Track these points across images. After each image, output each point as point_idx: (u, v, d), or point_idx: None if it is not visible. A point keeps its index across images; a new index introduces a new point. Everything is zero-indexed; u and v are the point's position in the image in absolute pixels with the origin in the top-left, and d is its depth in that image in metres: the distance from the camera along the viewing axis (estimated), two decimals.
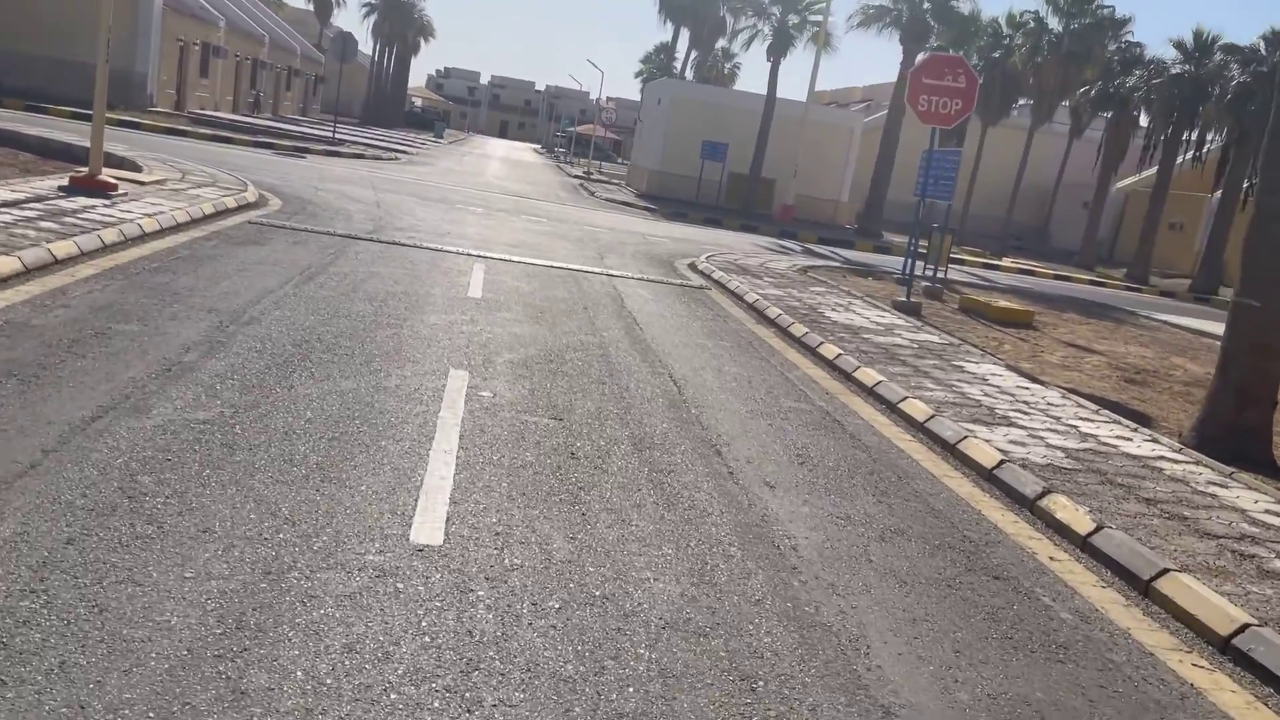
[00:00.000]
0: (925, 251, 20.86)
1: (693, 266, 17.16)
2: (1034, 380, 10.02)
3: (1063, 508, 5.88)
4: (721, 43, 58.42)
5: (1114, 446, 7.59)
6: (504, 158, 58.68)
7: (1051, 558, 5.39)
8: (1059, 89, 38.90)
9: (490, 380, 7.31)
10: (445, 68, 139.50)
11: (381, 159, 33.40)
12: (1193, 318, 22.88)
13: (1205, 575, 5.07)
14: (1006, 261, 33.19)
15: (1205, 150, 37.29)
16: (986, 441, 7.14)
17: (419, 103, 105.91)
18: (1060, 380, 10.62)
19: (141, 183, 14.12)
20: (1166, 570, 4.96)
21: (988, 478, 6.64)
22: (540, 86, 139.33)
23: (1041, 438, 7.54)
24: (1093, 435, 7.86)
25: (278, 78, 57.44)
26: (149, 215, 11.44)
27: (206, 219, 12.75)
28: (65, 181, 12.44)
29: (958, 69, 14.61)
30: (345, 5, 77.51)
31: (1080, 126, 41.36)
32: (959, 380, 9.45)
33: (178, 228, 11.69)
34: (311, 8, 76.36)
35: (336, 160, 29.48)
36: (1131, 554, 5.19)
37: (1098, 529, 5.50)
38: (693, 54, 57.27)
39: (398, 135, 56.03)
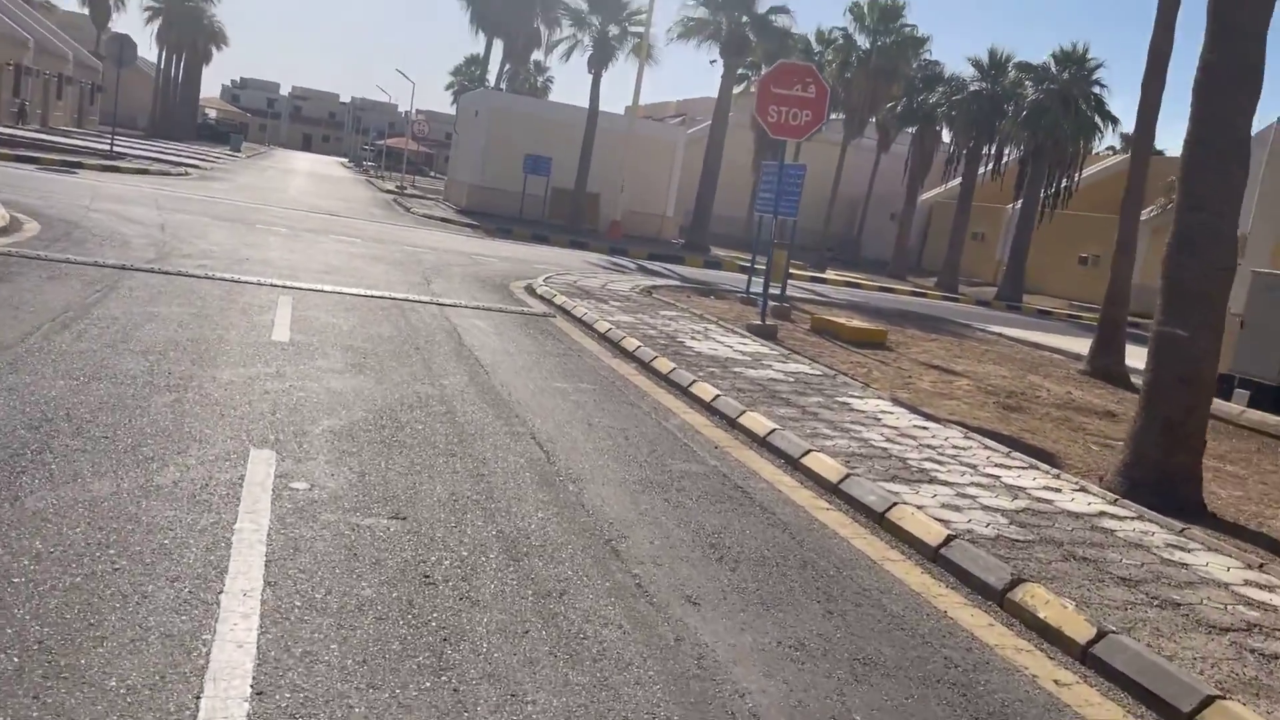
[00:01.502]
0: (762, 268, 20.19)
1: (530, 290, 15.67)
2: (927, 417, 9.12)
3: (1044, 603, 4.78)
4: (537, 55, 57.20)
5: (1049, 502, 6.66)
6: (309, 172, 55.16)
7: (1057, 681, 4.25)
8: (868, 104, 39.76)
9: (305, 462, 5.62)
10: (241, 78, 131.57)
11: (170, 174, 30.14)
12: (1017, 328, 23.24)
13: (1248, 697, 4.06)
14: (830, 274, 33.35)
15: (1004, 163, 38.97)
16: (918, 508, 6.03)
17: (213, 114, 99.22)
18: (944, 411, 9.80)
19: None
20: (1211, 699, 3.90)
21: (934, 558, 5.51)
22: (345, 98, 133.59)
23: (971, 496, 6.51)
24: (1020, 489, 6.91)
25: (46, 85, 51.88)
26: None
27: None
28: None
29: (807, 78, 13.79)
30: (125, 8, 71.31)
31: (887, 141, 42.46)
32: (852, 422, 8.40)
33: None
34: (87, 11, 69.91)
35: (115, 176, 26.21)
36: (1158, 675, 4.12)
37: (1100, 636, 4.42)
38: (506, 66, 55.68)
39: (189, 149, 51.67)
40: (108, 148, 32.60)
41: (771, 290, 20.47)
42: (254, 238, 17.03)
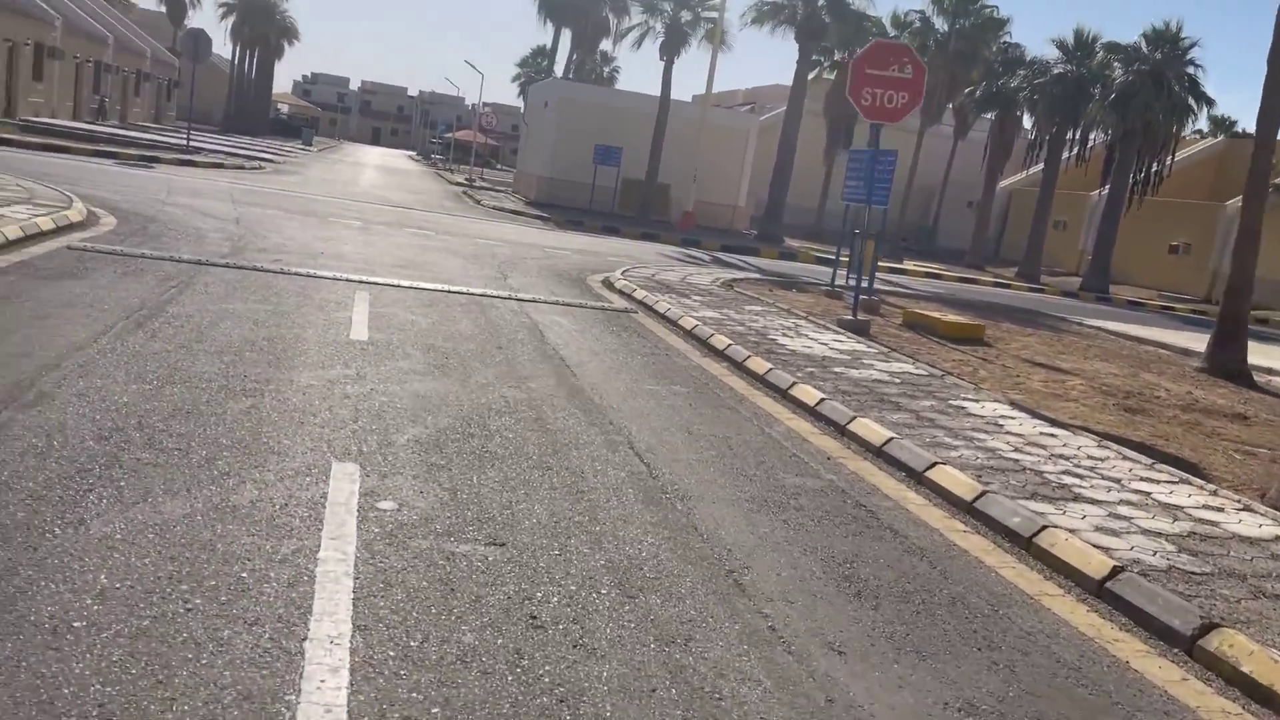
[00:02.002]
0: (847, 260, 19.42)
1: (608, 284, 15.14)
2: (1052, 423, 8.36)
3: (1248, 655, 4.09)
4: (605, 44, 56.71)
5: (1214, 524, 5.91)
6: (379, 165, 55.46)
7: None
8: (946, 89, 38.46)
9: (391, 478, 5.13)
10: (312, 73, 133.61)
11: (244, 168, 30.28)
12: (1113, 321, 22.07)
13: None
14: (909, 265, 32.31)
15: (1089, 148, 37.40)
16: (1071, 532, 5.33)
17: (285, 109, 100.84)
18: (1064, 415, 9.01)
19: None
20: None
21: (1098, 592, 4.82)
22: (413, 92, 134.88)
23: (1126, 517, 5.79)
24: (1177, 508, 6.16)
25: (125, 82, 52.88)
26: None
27: (7, 246, 10.07)
28: None
29: (904, 58, 13.01)
30: (200, 6, 72.60)
31: (965, 127, 41.09)
32: (972, 429, 7.69)
33: None
34: (164, 8, 71.26)
35: (191, 171, 26.34)
36: None
37: None
38: (573, 56, 55.31)
39: (262, 143, 52.26)
40: (184, 142, 32.90)
41: (851, 281, 19.70)
42: (328, 231, 16.78)
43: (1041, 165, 37.94)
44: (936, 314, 15.05)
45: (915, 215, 45.74)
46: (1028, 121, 40.08)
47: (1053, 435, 7.82)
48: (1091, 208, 41.88)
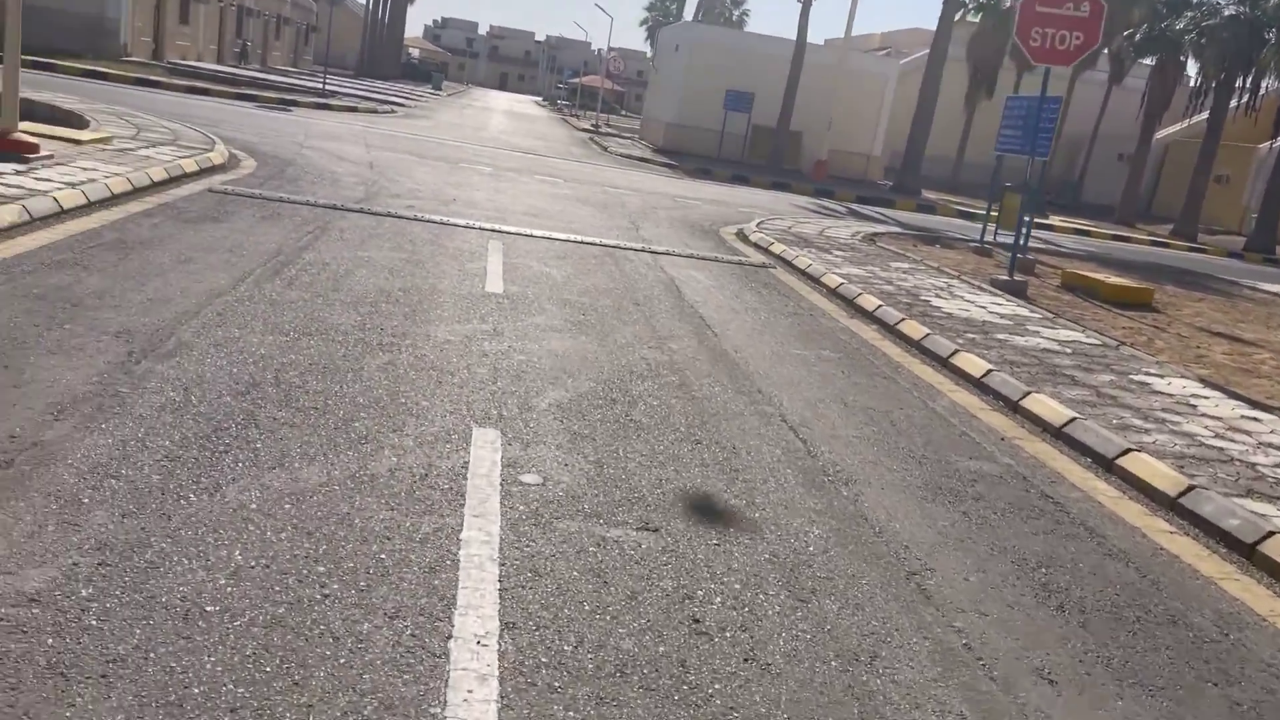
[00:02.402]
0: (996, 215, 18.31)
1: (743, 236, 14.54)
2: (1253, 404, 7.48)
3: None
4: None
5: None
6: (507, 110, 55.60)
7: None
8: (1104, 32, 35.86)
9: (534, 447, 4.77)
10: (442, 18, 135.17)
11: (377, 112, 30.56)
12: None
13: None
14: (1056, 221, 30.51)
15: (1261, 97, 34.45)
16: None
17: (416, 54, 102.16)
18: (1260, 393, 8.08)
19: (78, 141, 11.46)
20: None
21: None
22: (540, 37, 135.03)
23: None
24: None
25: (266, 26, 54.19)
26: (73, 185, 8.83)
27: (153, 187, 10.13)
28: None
29: None
30: None
31: (1121, 73, 38.35)
32: (1162, 409, 6.91)
33: (110, 200, 9.09)
34: None
35: (327, 114, 26.67)
36: None
37: None
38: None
39: (394, 87, 52.91)
40: (320, 86, 33.42)
41: (998, 238, 18.60)
42: (458, 176, 16.62)
43: (1205, 115, 35.17)
44: (1099, 275, 13.95)
45: (1060, 168, 43.25)
46: (1192, 67, 37.16)
47: (1256, 419, 6.97)
48: (1260, 161, 38.73)
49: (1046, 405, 6.60)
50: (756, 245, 13.72)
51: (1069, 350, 8.61)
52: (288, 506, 3.76)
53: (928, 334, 8.45)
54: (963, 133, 39.32)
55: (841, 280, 10.73)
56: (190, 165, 11.62)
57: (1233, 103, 33.68)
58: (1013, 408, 6.80)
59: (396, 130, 25.03)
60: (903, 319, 8.99)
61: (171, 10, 37.35)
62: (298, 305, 6.64)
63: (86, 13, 30.99)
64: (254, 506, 3.72)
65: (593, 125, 47.04)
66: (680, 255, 11.82)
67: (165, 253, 7.51)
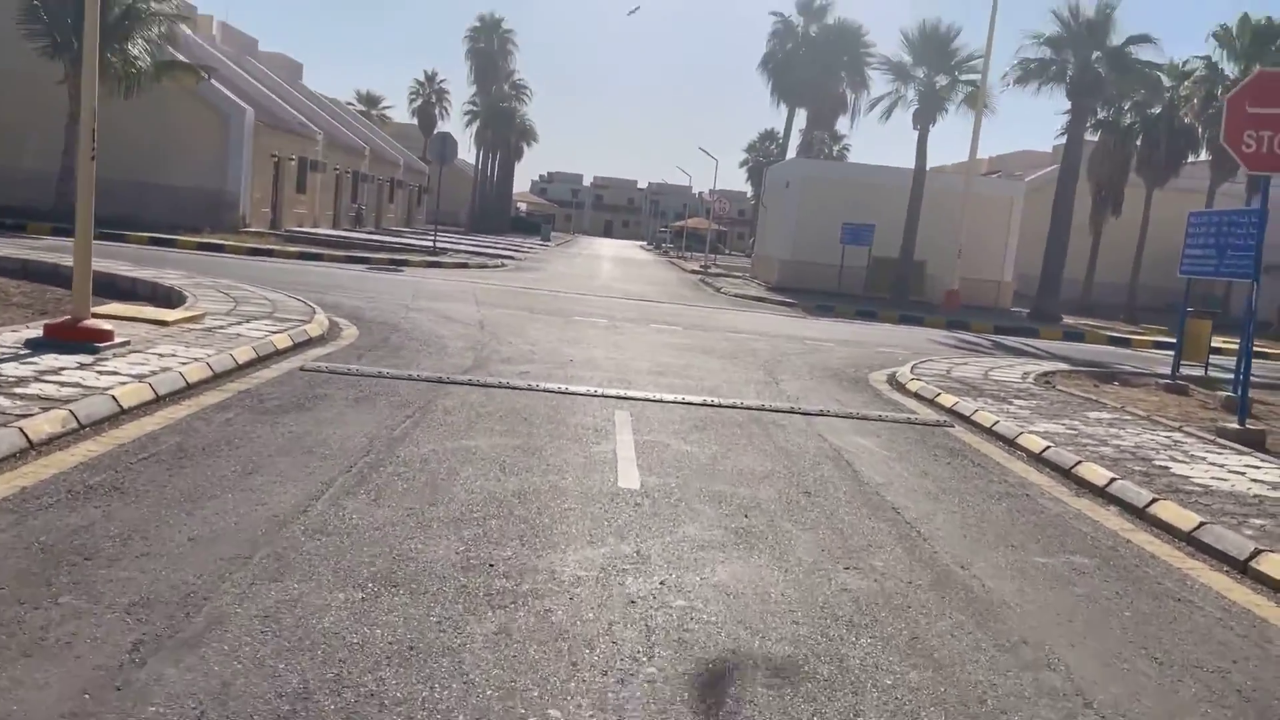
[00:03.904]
0: (1177, 343, 16.09)
1: (896, 384, 12.69)
2: None
3: None
4: (843, 120, 54.90)
5: None
6: (614, 256, 55.57)
7: None
8: None
9: None
10: (548, 173, 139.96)
11: (487, 266, 30.18)
12: None
13: None
14: (1218, 341, 27.58)
15: None
16: None
17: (524, 208, 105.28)
18: None
19: (164, 323, 10.48)
20: None
21: None
22: (642, 184, 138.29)
23: None
24: None
25: (380, 190, 55.95)
26: (140, 378, 7.63)
27: (237, 370, 8.96)
28: (39, 331, 8.81)
29: None
30: (449, 116, 77.05)
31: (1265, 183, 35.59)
32: None
33: (185, 391, 7.87)
34: (415, 120, 76.12)
35: (436, 271, 26.23)
36: None
37: None
38: (808, 135, 53.68)
39: (504, 241, 53.62)
40: (430, 244, 33.41)
41: (1192, 370, 16.31)
42: (573, 332, 15.33)
43: None
44: None
45: (1198, 283, 40.13)
46: None
47: None
48: None
49: None
50: (918, 396, 11.82)
51: None
52: None
53: (1201, 523, 6.37)
54: (1091, 252, 36.87)
55: (1047, 444, 8.73)
56: (283, 341, 10.50)
57: None
58: None
59: (507, 284, 24.28)
60: (1154, 499, 6.93)
61: (288, 180, 38.43)
62: (383, 532, 5.07)
63: (209, 188, 31.85)
64: None
65: (702, 266, 46.25)
66: (837, 416, 10.02)
67: (230, 461, 6.11)
